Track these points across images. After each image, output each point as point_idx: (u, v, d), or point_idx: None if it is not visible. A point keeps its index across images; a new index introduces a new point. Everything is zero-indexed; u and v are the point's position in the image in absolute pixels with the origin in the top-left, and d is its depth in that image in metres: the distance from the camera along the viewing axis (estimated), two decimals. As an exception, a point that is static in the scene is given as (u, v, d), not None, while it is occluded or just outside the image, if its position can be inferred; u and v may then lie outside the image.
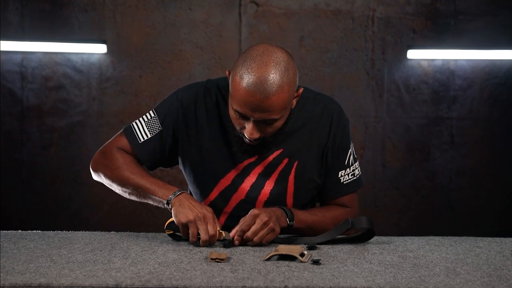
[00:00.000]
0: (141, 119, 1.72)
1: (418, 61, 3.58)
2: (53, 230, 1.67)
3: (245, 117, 1.53)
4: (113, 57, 3.49)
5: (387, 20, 3.56)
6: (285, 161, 1.69)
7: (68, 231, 1.65)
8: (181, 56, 3.52)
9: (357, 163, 1.77)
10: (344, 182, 1.74)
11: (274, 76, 1.47)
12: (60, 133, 3.50)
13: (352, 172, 1.75)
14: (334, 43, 3.54)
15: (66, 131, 3.50)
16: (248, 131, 1.53)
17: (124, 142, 1.71)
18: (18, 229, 1.66)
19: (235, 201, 1.71)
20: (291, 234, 1.66)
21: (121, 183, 1.64)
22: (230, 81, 1.54)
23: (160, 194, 1.57)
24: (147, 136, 1.69)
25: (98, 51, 3.46)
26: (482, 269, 1.31)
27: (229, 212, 1.72)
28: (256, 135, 1.54)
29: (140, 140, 1.69)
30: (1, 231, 1.63)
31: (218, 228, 1.50)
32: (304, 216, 1.64)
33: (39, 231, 1.64)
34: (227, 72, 1.60)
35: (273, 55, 1.50)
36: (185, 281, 1.16)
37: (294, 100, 1.60)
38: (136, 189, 1.62)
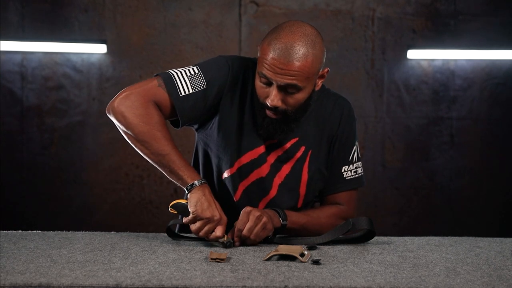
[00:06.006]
0: (182, 71, 1.64)
1: (418, 61, 3.58)
2: (53, 230, 1.66)
3: (269, 84, 1.56)
4: (113, 57, 3.49)
5: (387, 20, 3.56)
6: (302, 149, 1.71)
7: (68, 231, 1.65)
8: (181, 56, 3.52)
9: (360, 162, 1.79)
10: (347, 178, 1.76)
11: (300, 44, 1.53)
12: (60, 133, 3.50)
13: (355, 170, 1.77)
14: (334, 43, 3.54)
15: (66, 131, 3.50)
16: (270, 97, 1.56)
17: (161, 93, 1.61)
18: (18, 229, 1.66)
19: (254, 176, 1.69)
20: (285, 234, 1.66)
21: (149, 142, 1.56)
22: (259, 50, 1.59)
23: (187, 174, 1.55)
24: (188, 90, 1.62)
25: (98, 51, 3.46)
26: (482, 269, 1.31)
27: (246, 186, 1.70)
28: (278, 102, 1.56)
29: (181, 94, 1.61)
30: (1, 231, 1.62)
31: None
32: (297, 218, 1.64)
33: (39, 231, 1.64)
34: (258, 47, 1.63)
35: (302, 28, 1.56)
36: (185, 281, 1.16)
37: (319, 81, 1.63)
38: (162, 155, 1.56)
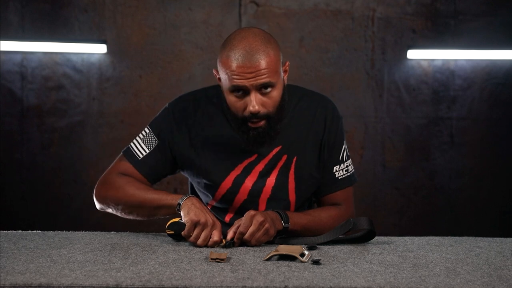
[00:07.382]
0: (137, 137, 1.76)
1: (418, 61, 3.58)
2: (53, 230, 1.67)
3: (244, 94, 1.59)
4: (113, 57, 3.49)
5: (387, 20, 3.56)
6: (284, 157, 1.72)
7: (68, 231, 1.65)
8: (181, 56, 3.52)
9: (350, 160, 1.81)
10: (339, 177, 1.77)
11: (257, 44, 1.58)
12: (60, 133, 3.50)
13: (346, 168, 1.78)
14: (334, 43, 3.54)
15: (66, 131, 3.50)
16: (251, 104, 1.59)
17: (124, 164, 1.73)
18: (18, 229, 1.66)
19: (238, 201, 1.73)
20: (287, 236, 1.66)
21: (128, 200, 1.65)
22: (219, 69, 1.63)
23: (170, 200, 1.60)
24: (145, 151, 1.73)
25: (98, 51, 3.46)
26: (482, 269, 1.31)
27: (234, 212, 1.75)
28: (260, 107, 1.59)
29: (140, 157, 1.72)
30: (1, 231, 1.63)
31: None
32: (298, 218, 1.65)
33: (39, 231, 1.65)
34: (214, 71, 1.68)
35: (250, 31, 1.62)
36: (185, 281, 1.16)
37: (285, 76, 1.68)
38: (143, 202, 1.63)
